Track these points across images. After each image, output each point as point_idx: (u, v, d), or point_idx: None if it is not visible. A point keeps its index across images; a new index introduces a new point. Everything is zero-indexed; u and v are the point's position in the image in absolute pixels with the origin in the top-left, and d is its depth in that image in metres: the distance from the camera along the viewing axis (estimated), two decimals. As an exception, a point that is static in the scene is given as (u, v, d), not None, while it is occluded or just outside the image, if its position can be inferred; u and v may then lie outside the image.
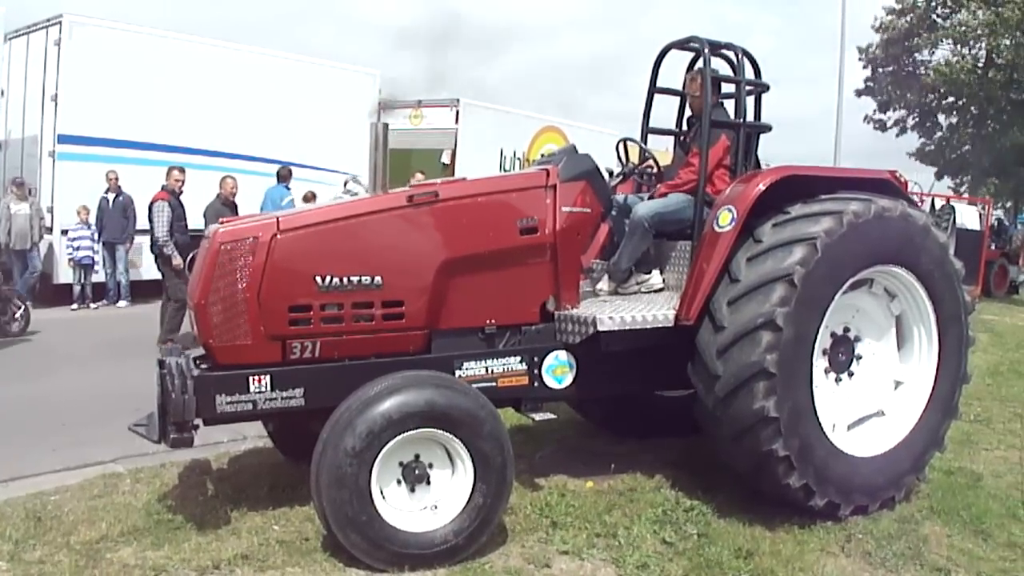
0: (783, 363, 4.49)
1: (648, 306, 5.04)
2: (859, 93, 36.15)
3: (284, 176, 13.37)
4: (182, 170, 10.78)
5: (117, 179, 13.40)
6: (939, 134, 35.91)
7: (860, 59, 35.26)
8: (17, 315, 11.08)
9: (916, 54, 34.27)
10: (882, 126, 36.37)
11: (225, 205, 10.56)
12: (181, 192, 10.48)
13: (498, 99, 20.20)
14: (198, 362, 4.46)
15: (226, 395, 4.20)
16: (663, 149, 6.73)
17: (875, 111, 36.36)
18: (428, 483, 4.18)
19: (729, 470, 5.08)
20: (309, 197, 12.93)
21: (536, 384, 4.85)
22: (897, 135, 36.08)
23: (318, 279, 4.34)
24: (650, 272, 5.60)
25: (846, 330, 5.18)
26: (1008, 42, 30.55)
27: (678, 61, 5.88)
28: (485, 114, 18.36)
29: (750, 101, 5.65)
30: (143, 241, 13.83)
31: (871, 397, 5.25)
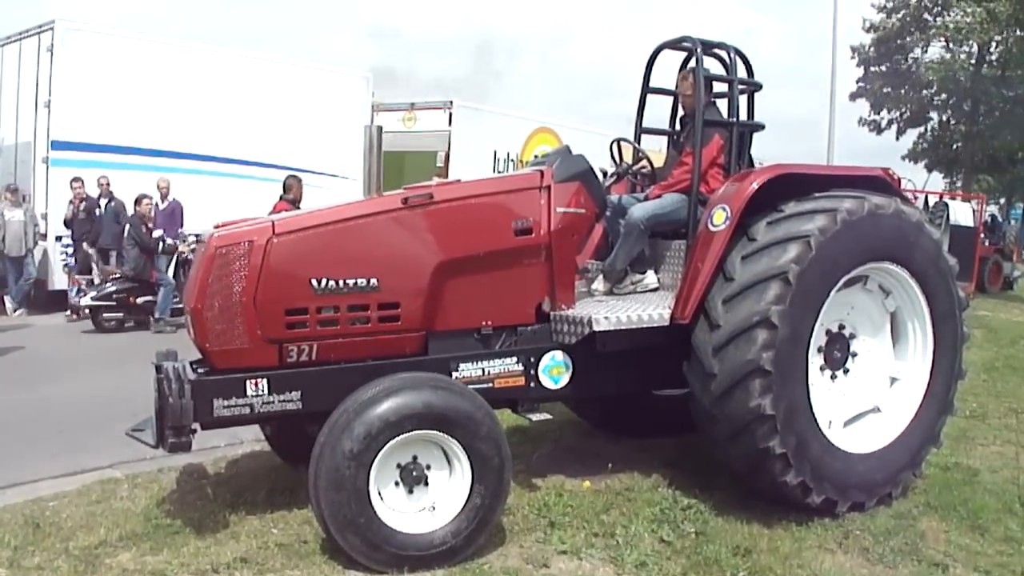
0: (779, 361, 4.51)
1: (643, 306, 5.06)
2: (852, 97, 36.16)
3: None
4: (299, 179, 11.42)
5: (108, 184, 13.39)
6: (931, 130, 35.91)
7: (852, 57, 35.34)
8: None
9: (909, 53, 34.30)
10: (877, 128, 36.35)
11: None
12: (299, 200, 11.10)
13: (503, 104, 20.14)
14: (195, 366, 4.47)
15: (223, 399, 4.20)
16: (657, 150, 6.75)
17: (870, 112, 36.37)
18: (426, 484, 4.18)
19: (726, 468, 5.10)
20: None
21: (532, 385, 4.85)
22: (897, 137, 36.02)
23: (314, 282, 4.35)
24: (645, 272, 5.61)
25: (841, 327, 5.20)
26: (999, 38, 30.65)
27: (671, 61, 5.91)
28: (478, 116, 18.36)
29: (743, 100, 5.67)
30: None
31: (867, 394, 5.27)
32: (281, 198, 11.52)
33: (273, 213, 10.63)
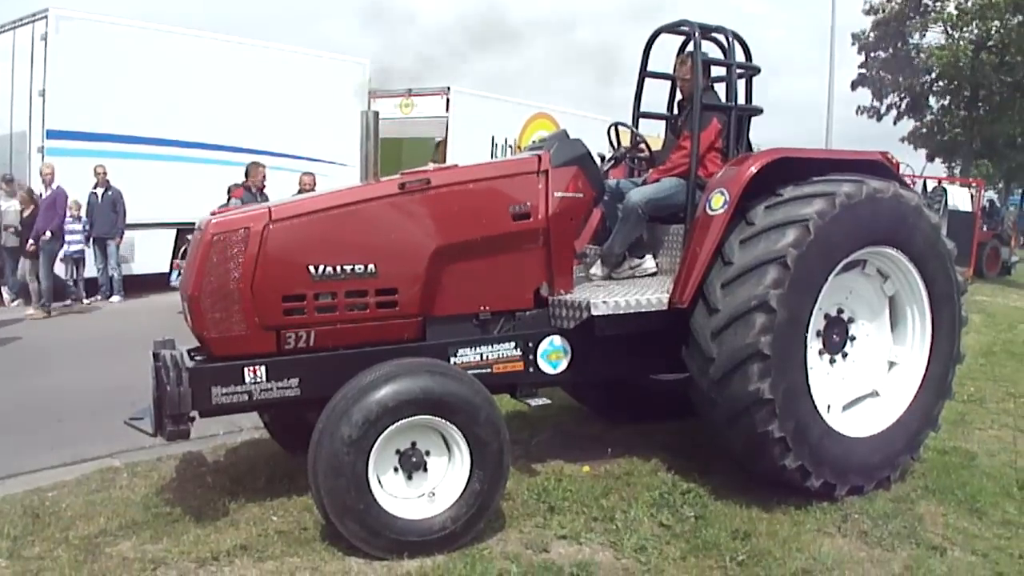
0: (777, 345, 4.50)
1: (642, 290, 5.05)
2: (854, 85, 36.06)
3: None
4: (262, 165, 11.69)
5: (105, 173, 13.32)
6: (930, 116, 35.83)
7: (853, 44, 35.25)
8: None
9: (908, 38, 34.19)
10: (876, 114, 36.24)
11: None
12: (262, 187, 11.40)
13: (508, 90, 19.95)
14: (193, 354, 4.46)
15: (221, 386, 4.19)
16: (655, 134, 6.72)
17: (872, 101, 36.23)
18: (425, 470, 4.18)
19: (725, 452, 5.10)
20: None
21: (531, 370, 4.85)
22: (895, 122, 35.90)
23: (311, 268, 4.33)
24: (643, 256, 5.60)
25: (840, 311, 5.19)
26: (998, 24, 30.53)
27: (669, 45, 5.88)
28: (476, 101, 18.30)
29: (741, 84, 5.64)
30: (134, 236, 13.89)
31: (865, 378, 5.27)
32: (242, 184, 11.62)
33: (230, 199, 10.76)
